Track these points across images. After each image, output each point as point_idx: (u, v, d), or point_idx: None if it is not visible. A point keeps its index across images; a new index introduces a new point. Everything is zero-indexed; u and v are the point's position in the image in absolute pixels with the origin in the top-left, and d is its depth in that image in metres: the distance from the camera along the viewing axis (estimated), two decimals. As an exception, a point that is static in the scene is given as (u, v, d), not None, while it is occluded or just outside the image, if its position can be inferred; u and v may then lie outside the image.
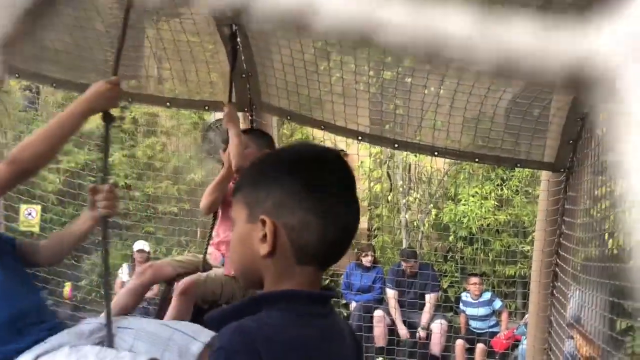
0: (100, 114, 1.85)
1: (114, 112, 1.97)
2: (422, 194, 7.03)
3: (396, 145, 3.02)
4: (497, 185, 6.62)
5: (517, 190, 6.61)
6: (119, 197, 1.95)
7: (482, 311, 6.12)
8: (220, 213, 2.81)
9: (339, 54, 2.79)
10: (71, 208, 6.23)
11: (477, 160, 3.06)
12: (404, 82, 2.81)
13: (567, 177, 2.88)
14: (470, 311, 6.19)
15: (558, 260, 3.11)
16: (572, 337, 3.54)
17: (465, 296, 6.26)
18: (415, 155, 6.30)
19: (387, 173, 7.07)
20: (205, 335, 1.88)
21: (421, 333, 6.05)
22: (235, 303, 1.02)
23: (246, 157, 2.50)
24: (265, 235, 0.93)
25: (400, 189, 7.00)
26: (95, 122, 6.81)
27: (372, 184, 6.99)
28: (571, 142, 2.71)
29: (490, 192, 6.63)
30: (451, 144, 2.93)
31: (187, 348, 1.83)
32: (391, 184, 7.22)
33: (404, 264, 6.20)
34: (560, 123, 2.63)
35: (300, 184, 0.94)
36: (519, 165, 3.12)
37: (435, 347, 6.05)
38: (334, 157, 0.99)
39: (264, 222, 0.93)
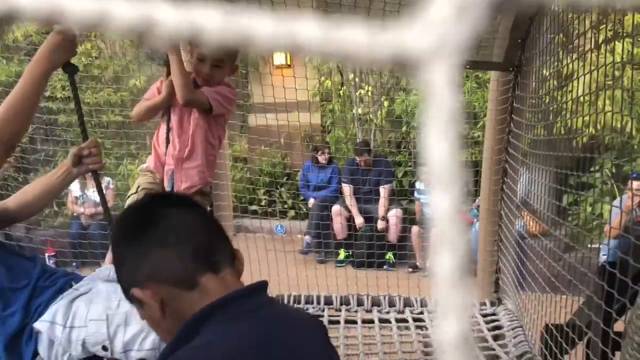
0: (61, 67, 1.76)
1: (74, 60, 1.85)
2: (374, 86, 6.94)
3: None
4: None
5: (467, 76, 6.57)
6: (102, 151, 1.92)
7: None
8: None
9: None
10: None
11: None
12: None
13: (515, 76, 2.86)
14: (425, 198, 6.40)
15: (507, 157, 3.17)
16: (521, 217, 3.73)
17: (419, 184, 6.43)
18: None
19: (337, 66, 6.89)
20: None
21: (379, 225, 6.26)
22: (170, 343, 1.00)
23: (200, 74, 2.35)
24: (148, 302, 0.97)
25: (352, 82, 6.88)
26: (22, 29, 6.25)
27: (322, 78, 6.84)
28: (520, 41, 2.66)
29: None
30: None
31: None
32: (342, 78, 7.08)
33: (358, 158, 6.26)
34: (509, 23, 2.56)
35: (127, 247, 1.01)
36: (468, 67, 3.06)
37: (392, 235, 6.30)
38: (140, 204, 1.14)
39: (140, 293, 0.97)
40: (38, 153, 6.22)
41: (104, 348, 1.60)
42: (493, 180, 3.24)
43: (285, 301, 3.60)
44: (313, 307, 3.54)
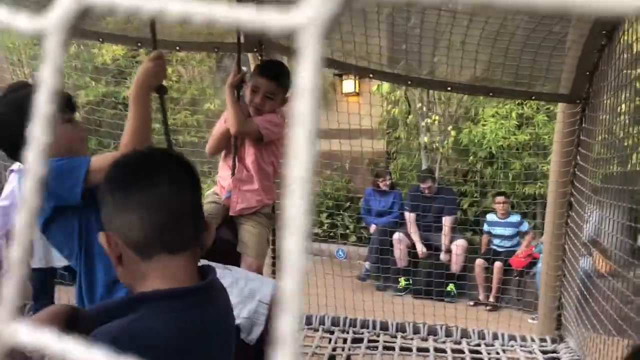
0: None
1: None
2: (442, 115, 6.94)
3: (409, 82, 2.97)
4: (518, 104, 6.49)
5: (537, 109, 6.47)
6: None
7: (508, 231, 6.18)
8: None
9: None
10: (93, 141, 6.34)
11: (491, 94, 3.00)
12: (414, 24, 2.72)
13: (582, 109, 2.83)
14: (496, 231, 6.25)
15: (573, 190, 3.12)
16: (589, 255, 3.62)
17: (490, 217, 6.29)
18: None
19: (405, 95, 6.96)
20: (266, 289, 2.00)
21: (443, 256, 6.19)
22: (109, 303, 1.08)
23: (260, 106, 2.53)
24: (107, 248, 1.05)
25: (419, 111, 6.92)
26: (110, 54, 6.70)
27: (389, 106, 6.92)
28: (587, 73, 2.64)
29: (510, 112, 6.52)
30: (463, 78, 2.87)
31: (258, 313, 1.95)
32: (409, 106, 7.13)
33: (422, 186, 6.25)
34: (576, 55, 2.55)
35: (110, 192, 1.06)
36: (534, 97, 3.06)
37: (455, 266, 6.21)
38: (141, 156, 1.14)
39: (103, 238, 1.05)
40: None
41: None
42: (558, 214, 3.19)
43: (341, 324, 3.64)
44: (369, 332, 3.56)
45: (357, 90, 7.23)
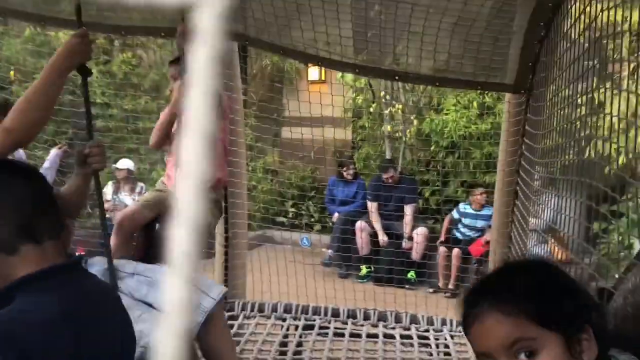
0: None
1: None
2: (406, 104, 6.96)
3: (357, 70, 2.96)
4: (479, 93, 6.53)
5: (499, 98, 6.52)
6: (105, 151, 1.99)
7: (480, 223, 6.20)
8: None
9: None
10: (51, 125, 6.22)
11: (437, 84, 3.02)
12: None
13: (527, 99, 2.86)
14: (466, 221, 6.28)
15: (519, 180, 3.16)
16: (545, 242, 3.68)
17: (464, 207, 6.30)
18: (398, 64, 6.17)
19: (369, 83, 6.96)
20: (216, 290, 1.99)
21: (405, 244, 6.23)
22: None
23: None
24: None
25: (383, 99, 6.93)
26: (66, 37, 6.61)
27: (354, 94, 6.91)
28: (530, 64, 2.67)
29: (472, 101, 6.57)
30: (412, 68, 2.87)
31: (199, 303, 1.95)
32: (373, 95, 7.14)
33: (384, 175, 6.28)
34: (518, 46, 2.57)
35: None
36: (479, 87, 3.09)
37: (416, 254, 6.27)
38: None
39: None
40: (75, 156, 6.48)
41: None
42: (504, 202, 3.23)
43: (294, 311, 3.65)
44: (320, 318, 3.58)
45: (322, 78, 7.21)
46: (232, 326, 3.53)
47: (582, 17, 2.00)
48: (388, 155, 6.99)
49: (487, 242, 6.17)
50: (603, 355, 0.96)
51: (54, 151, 5.41)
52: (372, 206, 6.39)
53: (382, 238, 6.29)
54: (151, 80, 6.90)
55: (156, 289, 1.97)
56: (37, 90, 1.72)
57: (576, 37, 2.25)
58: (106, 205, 6.35)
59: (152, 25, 3.07)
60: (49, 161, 5.36)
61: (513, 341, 0.91)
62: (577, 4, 2.05)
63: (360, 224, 6.36)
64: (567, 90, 2.68)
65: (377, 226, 6.35)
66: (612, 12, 1.80)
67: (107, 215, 6.44)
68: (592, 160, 3.00)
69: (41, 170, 3.50)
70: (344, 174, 6.63)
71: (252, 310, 3.61)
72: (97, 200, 2.15)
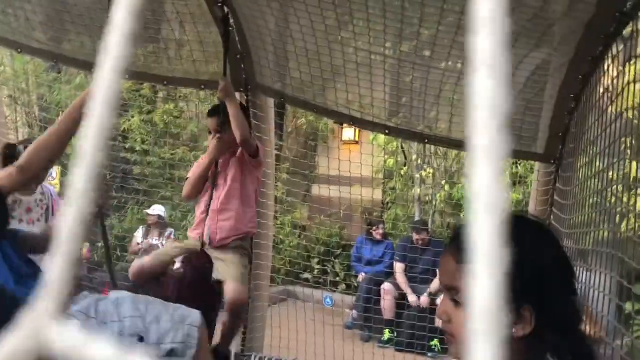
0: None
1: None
2: (437, 168, 6.99)
3: (387, 131, 3.02)
4: (512, 162, 6.53)
5: (531, 169, 6.50)
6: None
7: None
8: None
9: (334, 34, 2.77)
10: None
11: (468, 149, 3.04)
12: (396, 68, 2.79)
13: (556, 169, 2.86)
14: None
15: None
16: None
17: None
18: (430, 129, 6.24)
19: (401, 146, 7.03)
20: (194, 316, 2.04)
21: (423, 299, 6.08)
22: None
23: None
24: None
25: (415, 163, 6.98)
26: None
27: (386, 157, 6.98)
28: (560, 134, 2.68)
29: (504, 170, 6.54)
30: (443, 132, 2.92)
31: (188, 333, 2.00)
32: (405, 157, 7.20)
33: (415, 235, 6.22)
34: (548, 116, 2.60)
35: None
36: (509, 155, 3.09)
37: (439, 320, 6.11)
38: None
39: None
40: (112, 199, 6.67)
41: (140, 339, 1.76)
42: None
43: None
44: (337, 379, 3.50)
45: (356, 139, 7.32)
46: (247, 380, 3.49)
47: (610, 89, 2.02)
48: (417, 217, 6.96)
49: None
50: (538, 354, 0.94)
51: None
52: (398, 267, 6.31)
53: (412, 298, 6.16)
54: (190, 132, 7.12)
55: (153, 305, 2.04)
56: (50, 133, 1.85)
57: (604, 109, 2.27)
58: (136, 248, 6.49)
59: (192, 78, 3.22)
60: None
61: (445, 285, 0.97)
62: (605, 77, 2.08)
63: (385, 286, 6.27)
64: (596, 162, 2.68)
65: (406, 288, 6.23)
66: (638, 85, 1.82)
67: (134, 258, 6.56)
68: (626, 235, 2.94)
69: None
70: (373, 233, 6.61)
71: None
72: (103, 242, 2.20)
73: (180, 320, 1.82)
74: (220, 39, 2.89)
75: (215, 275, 2.72)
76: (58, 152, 1.92)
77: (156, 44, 3.28)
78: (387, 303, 6.22)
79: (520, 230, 0.96)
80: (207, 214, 2.82)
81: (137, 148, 6.81)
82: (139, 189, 6.82)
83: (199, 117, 7.09)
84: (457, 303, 0.95)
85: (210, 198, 2.85)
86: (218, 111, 2.82)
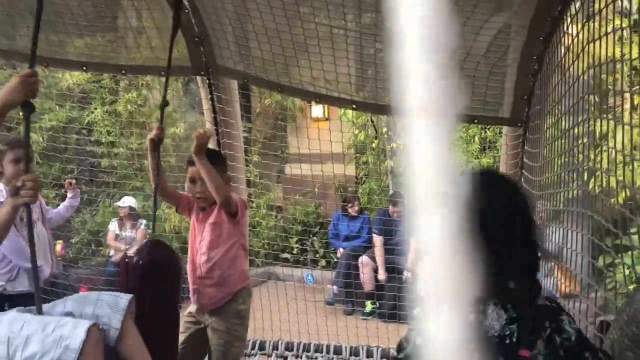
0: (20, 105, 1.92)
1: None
2: (408, 139, 7.00)
3: (354, 106, 3.00)
4: (481, 128, 6.58)
5: (500, 132, 6.56)
6: (38, 185, 1.98)
7: None
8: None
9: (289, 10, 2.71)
10: (57, 164, 6.28)
11: (434, 117, 3.04)
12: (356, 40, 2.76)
13: (524, 132, 2.88)
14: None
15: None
16: (551, 275, 3.63)
17: None
18: (399, 101, 6.23)
19: (371, 119, 7.03)
20: (122, 302, 2.04)
21: (406, 275, 6.16)
22: None
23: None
24: None
25: (385, 135, 6.98)
26: (74, 79, 6.68)
27: (356, 131, 6.97)
28: (525, 97, 2.69)
29: (474, 136, 6.60)
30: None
31: (116, 302, 2.02)
32: (376, 131, 7.20)
33: (391, 208, 6.26)
34: (513, 79, 2.60)
35: None
36: (476, 121, 3.10)
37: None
38: None
39: None
40: (82, 194, 6.54)
41: None
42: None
43: (295, 348, 3.61)
44: (322, 356, 3.53)
45: (325, 116, 7.28)
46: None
47: (572, 49, 2.03)
48: (392, 190, 6.99)
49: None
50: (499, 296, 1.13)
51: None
52: (377, 240, 6.35)
53: (382, 275, 6.23)
54: (156, 119, 6.98)
55: (72, 300, 2.02)
56: None
57: (567, 69, 2.28)
58: (115, 243, 6.40)
59: (152, 65, 3.14)
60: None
61: None
62: (566, 37, 2.08)
63: (363, 259, 6.32)
64: (563, 122, 2.71)
65: (380, 261, 6.29)
66: (603, 43, 1.83)
67: (111, 253, 6.47)
68: (595, 193, 2.99)
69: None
70: (349, 209, 6.63)
71: (252, 349, 3.57)
72: (28, 237, 2.10)
73: (54, 343, 1.76)
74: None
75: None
76: None
77: (113, 34, 3.19)
78: (366, 276, 6.28)
79: (485, 181, 1.12)
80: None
81: (103, 140, 6.66)
82: (109, 181, 6.70)
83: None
84: None
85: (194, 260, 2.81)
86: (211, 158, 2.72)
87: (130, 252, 2.53)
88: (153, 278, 2.41)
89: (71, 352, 1.74)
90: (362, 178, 7.47)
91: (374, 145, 7.16)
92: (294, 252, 7.26)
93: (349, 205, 6.63)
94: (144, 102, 7.01)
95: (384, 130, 7.01)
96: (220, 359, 2.71)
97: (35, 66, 1.96)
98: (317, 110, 7.31)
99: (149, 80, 6.77)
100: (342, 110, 6.44)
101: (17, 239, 2.96)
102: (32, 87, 1.86)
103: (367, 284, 6.29)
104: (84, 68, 3.14)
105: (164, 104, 2.67)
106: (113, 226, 6.43)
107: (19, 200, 1.92)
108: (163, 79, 6.84)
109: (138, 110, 6.92)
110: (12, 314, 1.87)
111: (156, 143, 2.64)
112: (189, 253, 2.81)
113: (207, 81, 3.12)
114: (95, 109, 6.80)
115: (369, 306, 6.25)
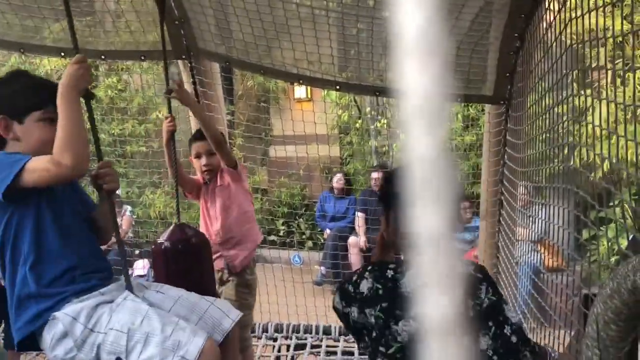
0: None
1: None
2: (391, 118, 7.01)
3: (337, 87, 2.99)
4: (464, 105, 6.59)
5: (482, 110, 6.58)
6: (115, 170, 1.94)
7: (467, 236, 6.20)
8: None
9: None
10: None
11: (417, 97, 3.04)
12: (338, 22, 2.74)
13: (506, 109, 2.89)
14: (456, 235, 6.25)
15: (503, 190, 3.18)
16: (536, 251, 3.68)
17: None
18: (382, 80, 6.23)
19: (354, 100, 7.01)
20: (234, 313, 1.97)
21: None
22: None
23: None
24: None
25: (369, 115, 6.98)
26: (52, 64, 6.53)
27: (340, 112, 6.95)
28: (507, 75, 2.70)
29: (457, 113, 6.62)
30: (391, 83, 2.90)
31: (220, 322, 1.92)
32: (359, 111, 7.18)
33: (373, 175, 6.28)
34: (495, 57, 2.61)
35: None
36: (459, 99, 3.11)
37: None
38: None
39: None
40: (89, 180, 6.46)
41: (118, 359, 1.66)
42: (490, 213, 3.25)
43: (284, 330, 3.63)
44: (312, 337, 3.56)
45: (308, 96, 7.25)
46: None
47: (554, 25, 2.03)
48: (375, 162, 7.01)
49: (477, 257, 6.16)
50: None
51: None
52: (360, 216, 6.39)
53: (364, 243, 6.28)
54: (137, 104, 6.91)
55: (181, 305, 1.95)
56: (67, 123, 1.68)
57: (549, 46, 2.28)
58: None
59: (132, 50, 3.09)
60: None
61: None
62: (548, 13, 2.09)
63: (351, 240, 6.35)
64: (545, 99, 2.72)
65: (361, 232, 6.35)
66: (586, 19, 1.83)
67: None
68: (577, 168, 3.03)
69: None
70: (335, 185, 6.64)
71: None
72: (112, 227, 1.99)
73: (172, 348, 1.66)
74: (156, 8, 2.76)
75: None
76: (84, 138, 1.78)
77: (91, 17, 3.12)
78: (354, 257, 6.31)
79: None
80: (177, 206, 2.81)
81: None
82: (91, 168, 6.61)
83: (144, 89, 6.87)
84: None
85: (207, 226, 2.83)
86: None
87: (160, 239, 2.50)
88: (190, 260, 2.42)
89: (221, 332, 1.70)
90: (346, 159, 7.47)
91: (357, 125, 7.15)
92: (281, 234, 7.27)
93: (335, 180, 6.64)
94: (124, 87, 6.91)
95: (368, 110, 7.00)
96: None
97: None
98: (300, 91, 7.27)
99: (129, 64, 6.67)
100: (325, 91, 6.41)
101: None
102: (88, 71, 1.78)
103: (356, 265, 6.33)
104: (62, 54, 3.08)
105: (169, 91, 2.62)
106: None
107: (102, 191, 1.85)
108: (143, 63, 6.76)
109: (119, 96, 6.82)
110: (130, 302, 1.76)
111: (172, 134, 2.65)
112: (204, 229, 2.82)
113: (189, 65, 3.08)
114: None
115: (357, 285, 6.29)
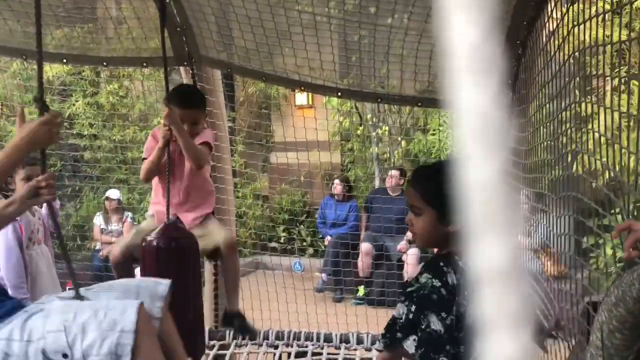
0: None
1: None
2: (393, 125, 7.01)
3: (339, 94, 2.98)
4: (466, 113, 6.59)
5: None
6: (55, 184, 1.94)
7: None
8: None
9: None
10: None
11: (419, 104, 3.05)
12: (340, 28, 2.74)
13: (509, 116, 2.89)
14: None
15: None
16: (537, 258, 3.66)
17: None
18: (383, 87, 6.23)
19: (355, 106, 7.01)
20: (166, 280, 2.02)
21: (400, 246, 6.17)
22: None
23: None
24: None
25: (370, 122, 6.98)
26: (54, 70, 6.55)
27: (341, 118, 6.96)
28: (509, 82, 2.70)
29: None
30: (395, 90, 2.90)
31: (155, 290, 1.98)
32: (360, 117, 7.19)
33: (388, 175, 6.25)
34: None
35: None
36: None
37: (406, 274, 6.22)
38: None
39: None
40: (65, 188, 6.46)
41: (64, 355, 1.70)
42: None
43: (285, 337, 3.61)
44: (312, 344, 3.54)
45: (309, 103, 7.25)
46: (223, 356, 3.49)
47: (557, 33, 2.03)
48: (378, 177, 7.00)
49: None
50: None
51: None
52: (364, 216, 6.42)
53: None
54: (138, 110, 6.92)
55: (114, 290, 1.99)
56: (4, 160, 1.75)
57: (553, 54, 2.28)
58: (104, 237, 6.35)
59: (134, 56, 3.09)
60: None
61: (409, 204, 1.57)
62: (550, 21, 2.09)
63: (364, 247, 6.29)
64: (548, 106, 2.72)
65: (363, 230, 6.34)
66: (587, 28, 1.83)
67: (97, 247, 6.39)
68: (579, 175, 3.01)
69: None
70: (335, 189, 6.63)
71: (243, 339, 3.56)
72: (54, 228, 2.11)
73: (109, 328, 1.72)
74: (158, 14, 2.77)
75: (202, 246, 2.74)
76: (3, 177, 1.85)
77: (92, 24, 3.13)
78: (364, 264, 6.26)
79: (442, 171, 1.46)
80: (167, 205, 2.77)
81: (86, 133, 6.58)
82: (92, 175, 6.63)
83: (146, 95, 6.88)
84: (416, 214, 1.54)
85: (168, 189, 2.79)
86: (197, 101, 2.70)
87: (149, 237, 2.51)
88: (177, 259, 2.43)
89: (128, 334, 1.71)
90: (347, 165, 7.47)
91: (359, 132, 7.15)
92: (282, 241, 7.26)
93: (335, 184, 6.64)
94: (125, 93, 6.92)
95: (369, 116, 7.00)
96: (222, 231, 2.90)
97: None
98: (301, 98, 7.27)
99: (131, 70, 6.69)
100: (327, 98, 6.41)
101: (19, 257, 2.96)
102: (54, 134, 1.79)
103: (364, 270, 6.29)
104: (64, 60, 3.08)
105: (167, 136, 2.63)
106: (98, 220, 6.38)
107: (38, 199, 1.87)
108: (145, 70, 6.78)
109: (120, 102, 6.83)
110: (58, 303, 1.82)
111: (167, 142, 2.64)
112: (161, 191, 2.79)
113: (191, 71, 3.08)
114: (77, 101, 6.70)
115: (361, 290, 6.27)
